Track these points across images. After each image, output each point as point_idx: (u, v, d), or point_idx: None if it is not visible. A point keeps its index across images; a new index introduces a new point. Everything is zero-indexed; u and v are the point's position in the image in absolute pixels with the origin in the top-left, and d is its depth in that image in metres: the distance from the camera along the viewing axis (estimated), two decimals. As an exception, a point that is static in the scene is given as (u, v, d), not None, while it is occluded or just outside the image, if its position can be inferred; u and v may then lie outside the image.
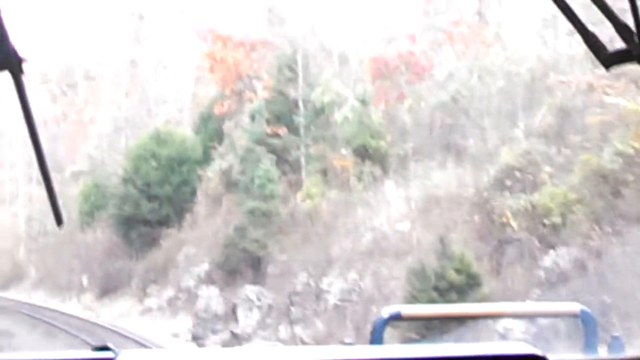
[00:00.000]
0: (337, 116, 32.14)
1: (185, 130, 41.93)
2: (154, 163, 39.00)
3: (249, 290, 29.63)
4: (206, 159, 39.46)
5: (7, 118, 55.86)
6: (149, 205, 38.57)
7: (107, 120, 47.23)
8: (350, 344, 3.74)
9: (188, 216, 38.74)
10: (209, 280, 33.39)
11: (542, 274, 19.91)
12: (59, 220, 1.87)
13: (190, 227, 38.15)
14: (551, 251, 20.24)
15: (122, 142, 44.00)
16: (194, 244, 36.77)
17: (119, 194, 39.56)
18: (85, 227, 43.33)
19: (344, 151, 32.96)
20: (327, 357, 1.90)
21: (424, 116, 29.16)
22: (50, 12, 57.32)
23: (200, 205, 38.32)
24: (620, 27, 1.66)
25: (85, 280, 40.38)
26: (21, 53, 1.69)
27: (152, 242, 38.65)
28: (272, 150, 34.26)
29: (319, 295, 26.33)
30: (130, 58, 50.40)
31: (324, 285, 26.35)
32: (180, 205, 38.82)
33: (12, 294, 45.22)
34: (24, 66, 1.73)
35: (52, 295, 42.12)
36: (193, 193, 39.08)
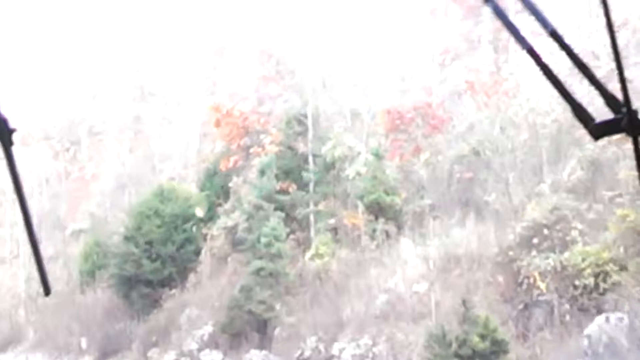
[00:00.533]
0: (349, 171, 30.50)
1: (190, 187, 40.31)
2: (157, 221, 37.29)
3: (254, 355, 27.72)
4: (211, 216, 37.75)
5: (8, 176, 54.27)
6: (151, 265, 36.79)
7: (110, 177, 45.61)
8: None
9: (192, 276, 36.96)
10: (212, 343, 31.51)
11: (585, 342, 17.98)
12: (46, 289, 1.83)
13: (193, 288, 36.34)
14: (595, 316, 18.37)
15: (125, 199, 42.33)
16: (198, 305, 34.94)
17: (120, 252, 37.79)
18: (85, 287, 41.48)
19: (356, 208, 31.30)
20: None
21: (442, 170, 27.46)
22: (52, 68, 56.07)
23: (205, 264, 36.56)
24: (608, 98, 1.66)
25: (84, 343, 38.44)
26: (12, 123, 1.65)
27: (153, 303, 36.79)
28: (280, 207, 32.56)
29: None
30: (135, 114, 48.99)
31: (334, 350, 24.47)
32: (183, 264, 37.05)
33: (10, 356, 43.27)
34: (14, 136, 1.67)
35: (50, 357, 40.15)
36: (197, 252, 37.32)
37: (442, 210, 26.73)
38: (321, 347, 25.04)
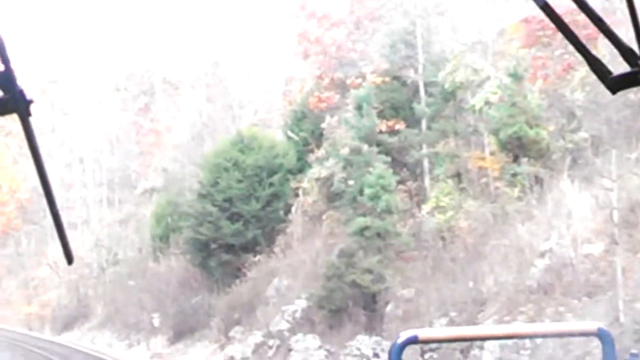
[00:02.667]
0: (475, 100, 23.46)
1: (275, 134, 33.64)
2: (237, 174, 30.74)
3: (361, 341, 21.11)
4: (301, 166, 31.08)
5: (79, 133, 48.64)
6: (232, 227, 30.30)
7: (185, 129, 39.25)
8: None
9: (280, 239, 30.37)
10: (306, 322, 24.95)
11: None
12: (69, 258, 1.74)
13: (282, 253, 29.77)
14: None
15: (202, 151, 35.85)
16: (288, 274, 28.39)
17: (195, 213, 31.37)
18: (158, 254, 35.28)
19: (482, 148, 24.29)
20: None
21: (605, 93, 20.26)
22: (124, 14, 49.97)
23: (295, 224, 29.94)
24: (625, 51, 1.64)
25: (156, 320, 32.24)
26: (28, 95, 1.57)
27: (235, 272, 30.35)
28: (386, 150, 25.69)
29: (466, 352, 17.66)
30: (213, 59, 42.49)
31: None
32: (269, 225, 30.49)
33: (76, 335, 37.51)
34: (31, 108, 1.59)
35: (118, 337, 34.10)
36: (286, 210, 30.73)
37: (607, 144, 19.51)
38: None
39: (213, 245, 30.46)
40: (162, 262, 34.63)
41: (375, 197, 22.90)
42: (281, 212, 30.70)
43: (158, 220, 35.85)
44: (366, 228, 22.76)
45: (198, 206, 31.01)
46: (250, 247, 30.31)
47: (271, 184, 30.84)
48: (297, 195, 30.58)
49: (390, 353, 3.23)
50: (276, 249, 29.95)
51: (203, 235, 30.61)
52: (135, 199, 40.69)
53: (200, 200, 31.05)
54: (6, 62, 1.62)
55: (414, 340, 3.27)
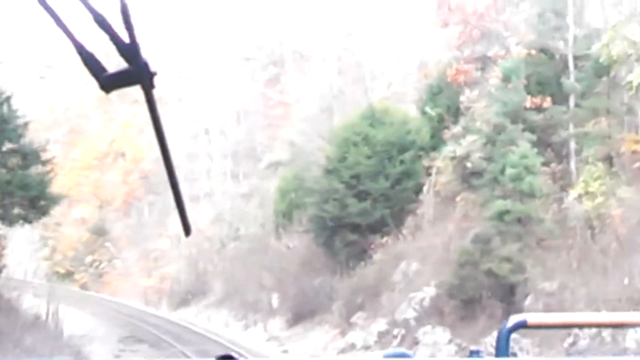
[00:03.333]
0: (632, 77, 21.47)
1: (408, 108, 32.05)
2: (366, 150, 29.32)
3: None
4: (435, 143, 29.45)
5: (205, 104, 48.07)
6: (359, 205, 28.92)
7: (315, 101, 38.02)
8: (477, 352, 3.00)
9: (410, 220, 28.85)
10: (435, 312, 23.42)
11: None
12: (187, 230, 1.88)
13: (412, 236, 28.26)
14: None
15: (330, 125, 34.55)
16: (417, 258, 26.88)
17: (320, 189, 30.12)
18: (281, 231, 34.22)
19: (637, 129, 22.29)
20: None
21: None
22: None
23: (427, 205, 28.37)
24: (123, 47, 1.69)
25: (275, 301, 31.19)
26: (152, 67, 1.70)
27: (361, 254, 28.99)
28: (530, 128, 23.89)
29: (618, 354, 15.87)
30: (345, 30, 41.09)
31: (628, 340, 15.91)
32: (399, 205, 28.99)
33: (192, 311, 36.82)
34: (155, 80, 1.74)
35: (236, 316, 33.17)
36: (417, 189, 29.18)
37: None
38: (605, 332, 16.41)
39: (338, 224, 29.16)
40: (284, 239, 33.58)
41: (517, 179, 21.17)
42: (411, 192, 29.17)
43: (282, 195, 34.78)
44: (506, 212, 21.05)
45: (324, 182, 29.73)
46: (378, 228, 28.89)
47: (402, 162, 29.33)
48: (429, 174, 29.00)
49: (498, 337, 3.19)
50: (405, 231, 28.46)
51: (328, 213, 29.34)
52: (259, 172, 39.74)
53: (326, 176, 29.76)
54: (131, 33, 1.68)
55: (522, 325, 3.24)
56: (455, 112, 28.70)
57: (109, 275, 48.22)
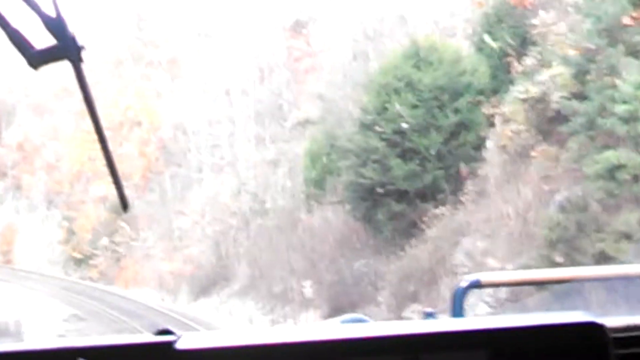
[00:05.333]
0: None
1: (460, 44, 25.59)
2: (410, 97, 23.04)
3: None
4: (497, 86, 23.15)
5: (225, 61, 41.91)
6: (404, 167, 22.68)
7: (346, 46, 31.66)
8: (431, 314, 3.30)
9: (469, 184, 22.62)
10: (516, 307, 17.27)
11: None
12: (124, 205, 1.87)
13: (473, 204, 22.02)
14: None
15: (366, 72, 28.14)
16: (483, 233, 20.63)
17: (356, 149, 23.96)
18: (312, 202, 28.12)
19: None
20: (406, 332, 1.73)
21: None
22: None
23: (491, 164, 22.10)
24: (49, 22, 1.67)
25: (308, 289, 25.08)
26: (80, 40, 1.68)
27: (410, 229, 22.77)
28: (631, 52, 17.43)
29: None
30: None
31: None
32: (455, 165, 22.69)
33: (214, 302, 30.83)
34: (83, 54, 1.72)
35: (262, 309, 27.05)
36: (477, 144, 22.91)
37: None
38: None
39: (380, 192, 22.91)
40: (316, 213, 27.43)
41: (631, 119, 14.73)
42: (470, 148, 22.85)
43: (313, 159, 28.59)
44: (618, 167, 14.64)
45: (360, 140, 23.44)
46: (430, 195, 22.63)
47: (456, 110, 22.97)
48: (491, 124, 22.71)
49: (452, 298, 3.21)
50: (465, 198, 22.16)
51: (367, 178, 23.11)
52: (286, 134, 33.56)
53: (363, 133, 23.47)
54: (56, 7, 1.67)
55: (476, 285, 3.30)
56: (522, 42, 22.30)
57: (127, 259, 42.46)
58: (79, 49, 1.67)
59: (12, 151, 49.49)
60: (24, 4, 1.62)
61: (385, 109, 23.09)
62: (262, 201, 32.36)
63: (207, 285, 32.12)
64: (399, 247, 22.75)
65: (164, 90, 46.54)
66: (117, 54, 48.27)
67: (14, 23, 1.65)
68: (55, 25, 1.64)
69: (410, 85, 23.05)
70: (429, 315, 3.19)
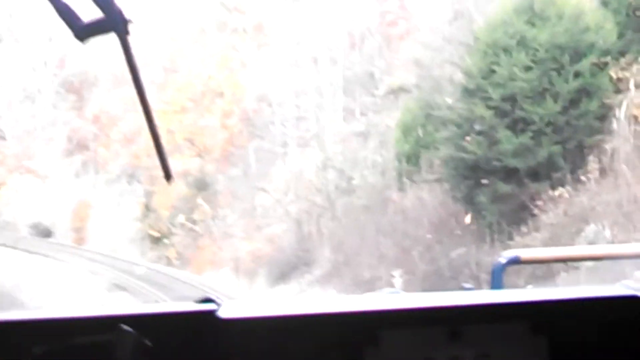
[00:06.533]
0: None
1: (583, -2, 21.87)
2: (522, 57, 19.50)
3: None
4: (626, 44, 19.51)
5: (312, 28, 38.77)
6: (515, 140, 19.14)
7: (446, 6, 28.12)
8: (470, 288, 3.30)
9: (592, 160, 19.01)
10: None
11: None
12: (168, 176, 1.89)
13: (598, 184, 18.42)
14: None
15: (469, 32, 24.57)
16: (612, 219, 17.06)
17: (457, 119, 20.53)
18: (405, 180, 24.75)
19: None
20: (444, 304, 1.76)
21: None
22: None
23: (619, 137, 18.50)
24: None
25: (398, 280, 21.77)
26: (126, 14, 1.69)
27: (521, 213, 19.23)
28: None
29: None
30: None
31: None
32: (575, 138, 19.08)
33: (292, 288, 27.72)
34: (130, 27, 1.71)
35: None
36: (601, 114, 19.26)
37: None
38: None
39: (485, 170, 19.45)
40: (409, 192, 24.05)
41: None
42: (593, 118, 19.20)
43: (405, 132, 25.20)
44: None
45: (462, 108, 19.96)
46: (544, 174, 19.04)
47: (578, 74, 19.31)
48: (619, 90, 19.07)
49: (492, 273, 3.30)
50: (588, 177, 18.55)
51: (470, 153, 19.65)
52: (377, 105, 30.20)
53: (466, 100, 19.97)
54: None
55: (515, 261, 3.35)
56: (661, -8, 18.57)
57: (205, 238, 39.71)
58: (125, 22, 1.65)
59: (88, 124, 47.27)
60: None
61: (493, 71, 19.56)
62: (349, 178, 29.09)
63: (286, 270, 29.05)
64: (506, 234, 19.28)
65: (248, 59, 43.57)
66: (200, 21, 45.48)
67: None
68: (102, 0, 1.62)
69: (522, 43, 19.47)
70: (468, 289, 2.97)
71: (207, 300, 1.74)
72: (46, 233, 42.84)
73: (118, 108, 45.26)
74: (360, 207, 26.79)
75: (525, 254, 3.49)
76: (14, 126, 49.90)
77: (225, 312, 1.69)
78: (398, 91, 27.46)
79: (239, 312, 1.69)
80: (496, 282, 3.25)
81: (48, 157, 48.65)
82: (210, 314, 1.69)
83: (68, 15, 1.69)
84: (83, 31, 1.70)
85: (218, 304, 1.72)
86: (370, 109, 30.81)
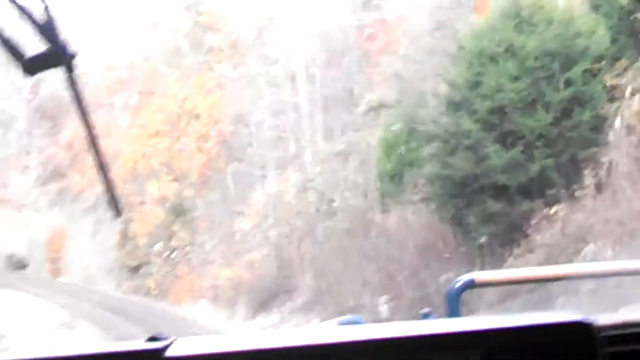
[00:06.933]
0: None
1: (572, 1, 20.55)
2: (511, 66, 18.12)
3: None
4: (620, 49, 18.16)
5: (289, 44, 37.53)
6: (504, 155, 17.72)
7: (424, 14, 26.76)
8: (428, 313, 3.34)
9: (589, 175, 17.60)
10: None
11: None
12: (117, 210, 1.88)
13: (595, 200, 17.09)
14: None
15: (452, 41, 23.18)
16: (613, 238, 15.67)
17: (442, 133, 19.11)
18: (388, 201, 23.32)
19: None
20: (400, 334, 1.81)
21: None
22: None
23: (617, 148, 17.13)
24: (41, 28, 1.62)
25: (384, 307, 20.27)
26: (72, 47, 1.64)
27: (513, 233, 17.80)
28: None
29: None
30: None
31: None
32: (569, 150, 17.63)
33: (273, 319, 26.17)
34: (75, 60, 1.68)
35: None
36: (598, 124, 17.86)
37: None
38: None
39: (473, 187, 18.03)
40: (393, 213, 22.59)
41: None
42: (588, 129, 17.80)
43: (387, 149, 23.79)
44: None
45: (448, 122, 18.53)
46: (537, 190, 17.60)
47: (569, 82, 17.93)
48: (613, 98, 17.76)
49: (447, 298, 3.22)
50: (584, 193, 17.14)
51: (456, 170, 18.23)
52: (357, 122, 28.80)
53: (451, 113, 18.55)
54: (48, 13, 1.63)
55: (470, 284, 3.29)
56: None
57: (183, 266, 38.16)
58: (71, 55, 1.60)
59: (63, 150, 45.78)
60: (16, 10, 1.53)
61: (479, 82, 18.18)
62: (330, 200, 27.65)
63: (267, 298, 27.55)
64: (497, 256, 17.84)
65: (224, 79, 42.19)
66: (174, 40, 44.11)
67: (7, 29, 1.55)
68: (47, 32, 1.57)
69: (510, 51, 18.10)
70: (425, 315, 3.07)
71: (156, 338, 1.71)
72: (21, 264, 41.24)
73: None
74: (342, 230, 25.34)
75: (479, 276, 3.40)
76: (-14, 155, 48.44)
77: (175, 349, 1.68)
78: (379, 107, 26.07)
79: (190, 349, 1.68)
80: (452, 308, 3.17)
81: (23, 185, 47.11)
82: (157, 352, 1.68)
83: (13, 48, 1.60)
84: (30, 65, 1.62)
85: (169, 341, 1.69)
86: (350, 127, 29.42)
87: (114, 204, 1.84)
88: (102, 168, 1.77)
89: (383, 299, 20.40)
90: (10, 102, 48.33)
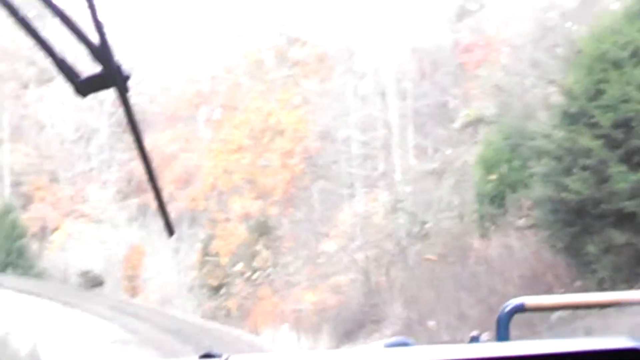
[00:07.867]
0: None
1: None
2: (637, 73, 15.63)
3: None
4: None
5: (380, 59, 35.34)
6: (630, 178, 15.26)
7: (527, 22, 24.24)
8: (476, 338, 3.02)
9: None
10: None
11: None
12: (170, 231, 1.83)
13: None
14: None
15: (563, 47, 20.64)
16: None
17: (554, 151, 16.66)
18: (487, 225, 20.86)
19: None
20: (448, 357, 1.84)
21: None
22: None
23: None
24: (95, 50, 1.62)
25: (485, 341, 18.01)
26: (125, 69, 1.63)
27: (639, 268, 15.38)
28: None
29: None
30: None
31: None
32: None
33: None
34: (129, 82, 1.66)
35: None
36: None
37: None
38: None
39: (592, 214, 15.50)
40: (494, 239, 20.13)
41: None
42: None
43: (487, 168, 21.32)
44: None
45: (562, 137, 16.03)
46: (668, 217, 15.05)
47: None
48: None
49: (497, 323, 3.16)
50: None
51: (571, 193, 15.69)
52: (452, 138, 26.37)
53: (566, 127, 16.04)
54: (102, 35, 1.60)
55: (520, 308, 3.23)
56: None
57: (265, 287, 36.07)
58: (125, 77, 1.61)
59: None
60: (70, 32, 1.56)
61: (601, 92, 15.65)
62: (422, 222, 25.24)
63: (352, 326, 25.20)
64: (618, 289, 15.29)
65: (310, 93, 40.16)
66: (258, 53, 42.26)
67: (60, 51, 1.58)
68: (101, 54, 1.58)
69: (637, 55, 15.56)
70: (474, 339, 2.91)
71: (209, 355, 1.71)
72: (96, 282, 39.63)
73: (172, 147, 42.19)
74: (435, 256, 22.92)
75: (530, 300, 3.14)
76: (67, 168, 47.18)
77: None
78: (476, 122, 23.62)
79: None
80: (502, 333, 3.04)
81: (101, 200, 45.64)
82: None
83: (66, 70, 1.62)
84: (83, 87, 1.62)
85: (221, 357, 1.68)
86: (444, 143, 26.98)
87: (168, 224, 1.75)
88: (156, 188, 1.68)
89: (485, 335, 17.97)
90: (92, 116, 47.01)
